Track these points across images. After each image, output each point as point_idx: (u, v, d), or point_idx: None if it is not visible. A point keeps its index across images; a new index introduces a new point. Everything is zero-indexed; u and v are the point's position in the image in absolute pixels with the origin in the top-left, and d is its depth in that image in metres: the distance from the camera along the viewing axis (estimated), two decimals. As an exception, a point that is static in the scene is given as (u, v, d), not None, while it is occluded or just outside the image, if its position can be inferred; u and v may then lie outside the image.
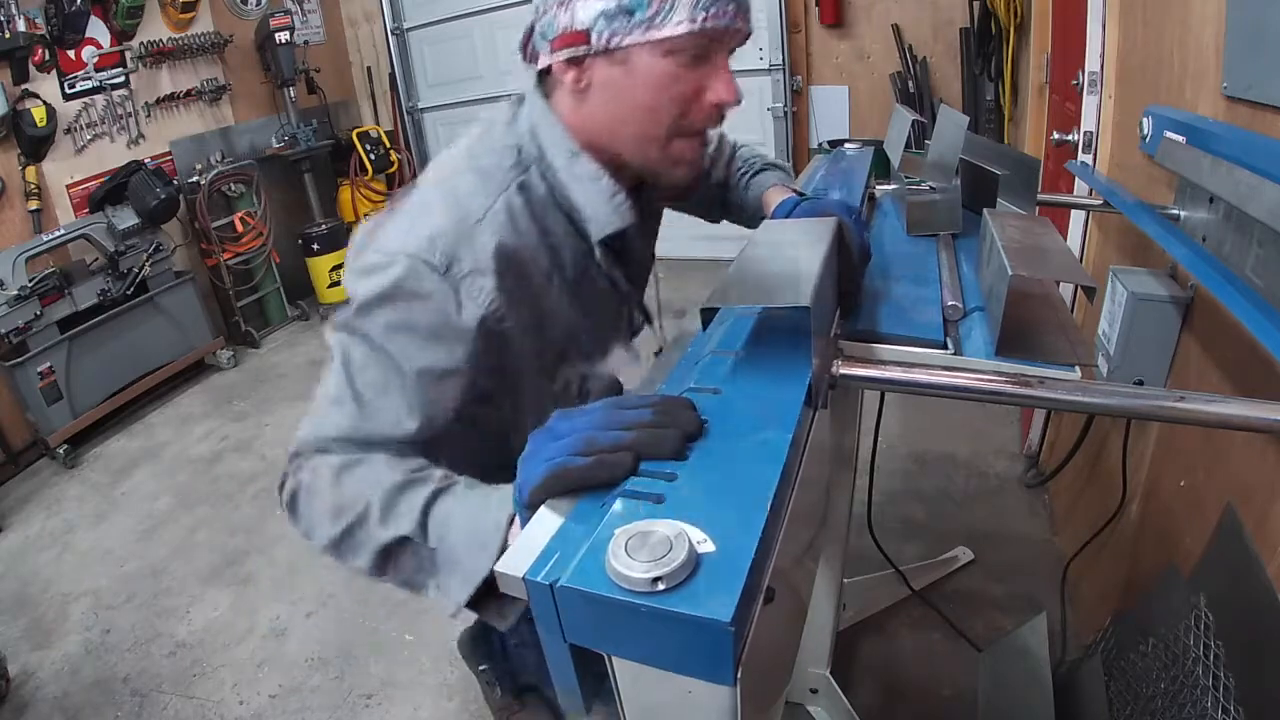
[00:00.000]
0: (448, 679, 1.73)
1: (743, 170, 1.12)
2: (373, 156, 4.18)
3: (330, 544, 0.67)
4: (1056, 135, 1.78)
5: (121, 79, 3.23)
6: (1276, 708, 0.78)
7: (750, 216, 1.11)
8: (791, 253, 0.70)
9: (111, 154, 3.24)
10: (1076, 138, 1.63)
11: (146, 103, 3.37)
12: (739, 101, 0.76)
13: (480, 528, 0.59)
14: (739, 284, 0.67)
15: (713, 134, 0.95)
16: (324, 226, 3.98)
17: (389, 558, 0.65)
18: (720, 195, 1.14)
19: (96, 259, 3.02)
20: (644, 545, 0.42)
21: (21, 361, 2.72)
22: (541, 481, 0.51)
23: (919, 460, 2.27)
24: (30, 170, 2.90)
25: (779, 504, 0.48)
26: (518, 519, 0.56)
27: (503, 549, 0.57)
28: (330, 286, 4.05)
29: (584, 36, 0.70)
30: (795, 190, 1.02)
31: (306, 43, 4.07)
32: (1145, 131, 1.16)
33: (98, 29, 3.11)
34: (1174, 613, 1.01)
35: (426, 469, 0.67)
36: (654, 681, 0.44)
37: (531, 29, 0.76)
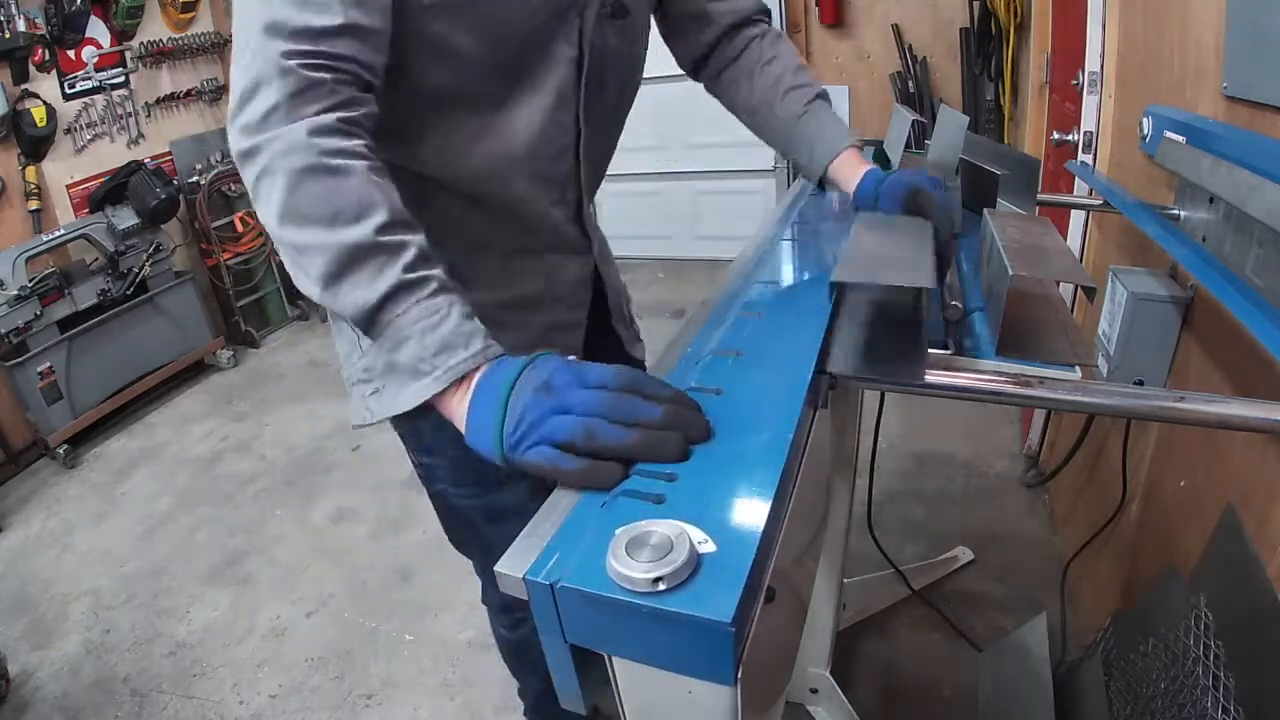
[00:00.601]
0: (448, 679, 1.73)
1: (796, 85, 0.97)
2: (373, 156, 4.18)
3: (278, 240, 0.61)
4: (1056, 135, 1.78)
5: (121, 79, 3.23)
6: (1276, 708, 0.78)
7: (781, 139, 1.00)
8: (903, 241, 0.76)
9: (111, 154, 3.24)
10: (1076, 138, 1.63)
11: (146, 103, 3.37)
12: None
13: (421, 363, 0.57)
14: (860, 262, 0.71)
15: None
16: (324, 226, 3.97)
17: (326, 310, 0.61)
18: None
19: (96, 259, 3.02)
20: (645, 545, 0.42)
21: (21, 361, 2.72)
22: (532, 464, 0.52)
23: (919, 460, 2.27)
24: (30, 170, 2.90)
25: (780, 504, 0.48)
26: (471, 388, 0.57)
27: (434, 388, 0.57)
28: (330, 286, 4.05)
29: None
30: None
31: (306, 43, 4.07)
32: (1145, 131, 1.16)
33: (98, 29, 3.11)
34: (1174, 613, 1.01)
35: (397, 226, 0.59)
36: (654, 681, 0.44)
37: None
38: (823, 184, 0.99)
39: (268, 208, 0.59)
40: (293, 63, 0.59)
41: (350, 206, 0.58)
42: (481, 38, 0.71)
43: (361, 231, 0.57)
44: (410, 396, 0.58)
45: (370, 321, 0.58)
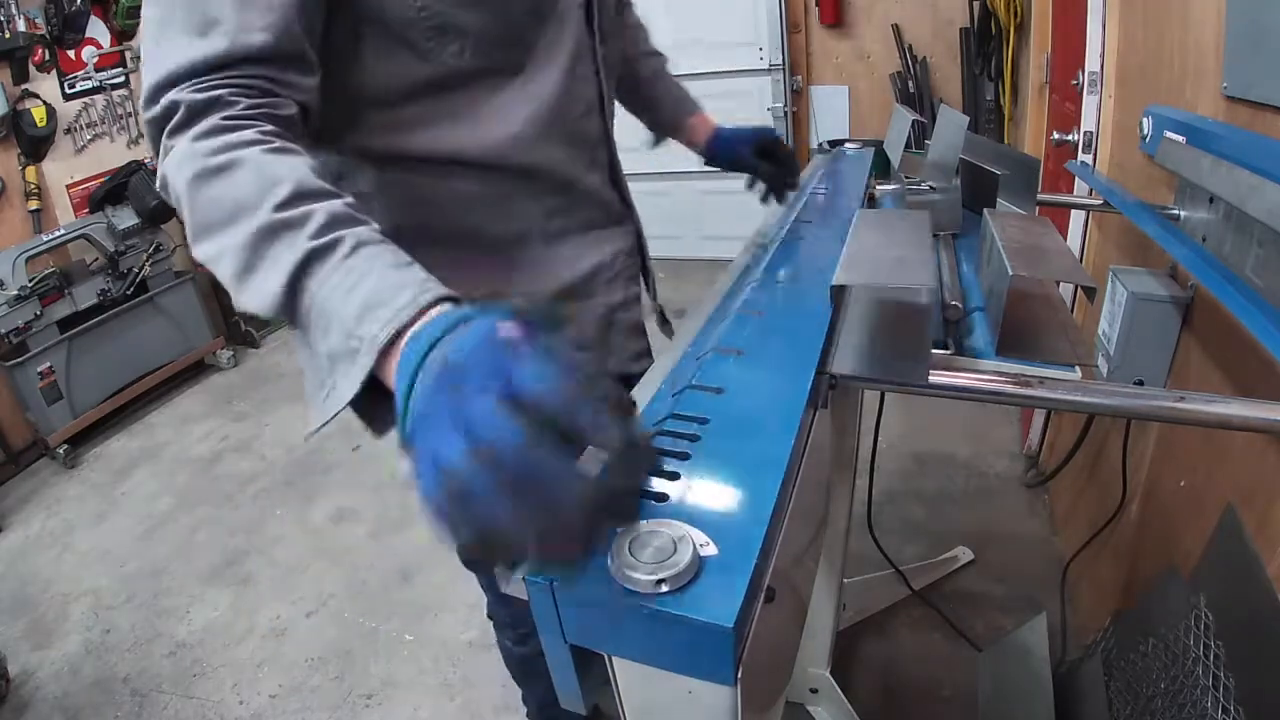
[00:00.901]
0: (448, 679, 1.73)
1: (654, 51, 1.12)
2: (373, 156, 4.18)
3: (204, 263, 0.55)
4: (1056, 135, 1.78)
5: (121, 79, 3.23)
6: (1276, 708, 0.78)
7: (638, 96, 1.13)
8: (903, 239, 0.78)
9: (111, 154, 3.23)
10: (1076, 138, 1.63)
11: (146, 103, 3.37)
12: None
13: (350, 339, 0.45)
14: (860, 263, 0.72)
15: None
16: (324, 226, 3.98)
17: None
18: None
19: (96, 259, 3.02)
20: (648, 546, 0.42)
21: (21, 361, 2.72)
22: (417, 484, 0.37)
23: (919, 460, 2.27)
24: (30, 170, 2.90)
25: (781, 508, 0.48)
26: (397, 359, 0.42)
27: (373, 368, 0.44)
28: (330, 286, 4.05)
29: None
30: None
31: (306, 43, 4.07)
32: (1145, 131, 1.16)
33: (98, 29, 3.11)
34: (1174, 613, 1.01)
35: (300, 198, 0.50)
36: (654, 681, 0.44)
37: None
38: (669, 137, 1.16)
39: (187, 232, 0.54)
40: (185, 95, 0.56)
41: (247, 196, 0.51)
42: (484, 10, 0.70)
43: (259, 216, 0.49)
44: (348, 385, 0.45)
45: (292, 310, 0.49)
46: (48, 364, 2.80)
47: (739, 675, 0.41)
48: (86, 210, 3.09)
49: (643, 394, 0.62)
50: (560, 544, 0.36)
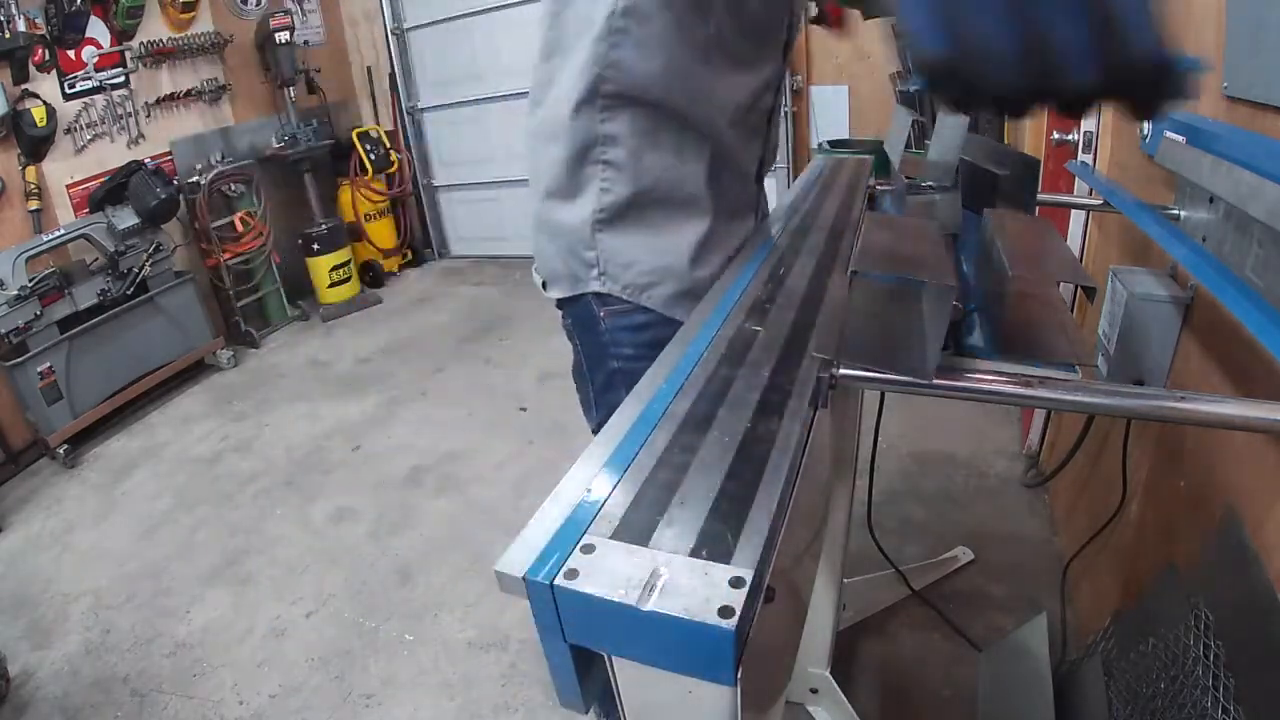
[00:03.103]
0: (448, 679, 1.73)
1: None
2: (373, 156, 4.19)
3: None
4: (1056, 135, 1.78)
5: (121, 79, 3.23)
6: (1276, 708, 0.78)
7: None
8: (919, 241, 0.78)
9: (111, 154, 3.24)
10: (1076, 138, 1.63)
11: (146, 103, 3.38)
12: None
13: None
14: (878, 257, 0.73)
15: None
16: (324, 226, 3.98)
17: None
18: None
19: (96, 259, 3.02)
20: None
21: (21, 361, 2.72)
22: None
23: (919, 460, 2.27)
24: (30, 170, 2.90)
25: (781, 508, 0.48)
26: None
27: None
28: (330, 286, 4.05)
29: None
30: None
31: (306, 43, 4.07)
32: (1145, 131, 1.16)
33: (98, 29, 3.12)
34: (1174, 613, 1.01)
35: None
36: (654, 681, 0.44)
37: None
38: None
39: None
40: None
41: None
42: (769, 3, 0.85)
43: None
44: None
45: None
46: (48, 364, 2.80)
47: (739, 675, 0.41)
48: (86, 210, 3.09)
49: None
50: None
